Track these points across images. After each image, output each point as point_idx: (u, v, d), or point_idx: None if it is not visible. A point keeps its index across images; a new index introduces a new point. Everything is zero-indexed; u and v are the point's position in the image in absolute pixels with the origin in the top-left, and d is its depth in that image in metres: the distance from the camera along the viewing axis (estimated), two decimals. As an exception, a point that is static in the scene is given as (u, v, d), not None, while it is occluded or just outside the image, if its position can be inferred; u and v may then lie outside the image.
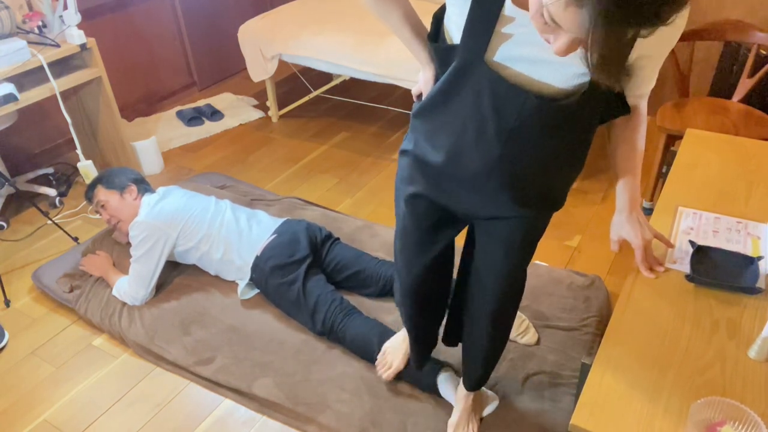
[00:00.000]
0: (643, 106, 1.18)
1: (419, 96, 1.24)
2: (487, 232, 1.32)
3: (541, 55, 0.98)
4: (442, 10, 1.11)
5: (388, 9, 1.17)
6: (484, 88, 1.04)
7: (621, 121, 1.19)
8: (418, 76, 1.24)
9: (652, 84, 1.13)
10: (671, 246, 1.32)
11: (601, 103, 1.09)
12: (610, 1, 0.66)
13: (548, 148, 1.11)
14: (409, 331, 1.69)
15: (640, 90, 1.13)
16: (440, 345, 1.99)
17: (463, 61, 1.04)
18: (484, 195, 1.20)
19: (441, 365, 1.83)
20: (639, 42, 0.97)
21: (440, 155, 1.18)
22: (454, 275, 1.57)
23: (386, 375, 1.84)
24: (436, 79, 1.16)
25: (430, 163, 1.22)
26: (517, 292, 1.46)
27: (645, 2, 0.67)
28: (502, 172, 1.14)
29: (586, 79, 1.00)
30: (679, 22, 0.98)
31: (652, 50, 1.02)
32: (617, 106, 1.14)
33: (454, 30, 1.04)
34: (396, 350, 1.84)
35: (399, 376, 1.87)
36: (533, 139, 1.08)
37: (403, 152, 1.30)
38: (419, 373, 1.83)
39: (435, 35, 1.13)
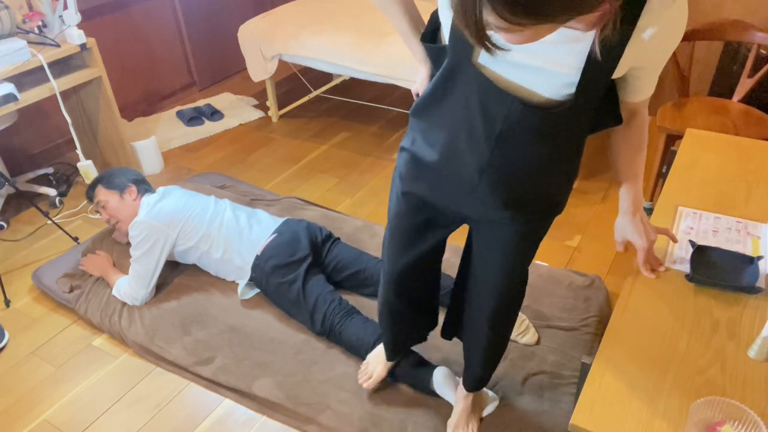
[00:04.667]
0: (643, 110, 1.17)
1: (417, 94, 1.24)
2: (484, 234, 1.32)
3: (530, 61, 0.98)
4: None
5: (389, 1, 1.18)
6: (473, 91, 1.04)
7: (622, 126, 1.19)
8: (417, 75, 1.25)
9: (651, 91, 1.12)
10: (676, 241, 1.32)
11: (589, 114, 1.08)
12: None
13: (537, 154, 1.10)
14: (386, 318, 1.65)
15: (638, 98, 1.12)
16: (441, 344, 1.99)
17: (452, 62, 1.04)
18: (477, 196, 1.20)
19: (434, 367, 1.82)
20: (630, 54, 0.96)
21: (435, 154, 1.19)
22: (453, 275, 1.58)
23: (366, 384, 1.82)
24: (432, 78, 1.16)
25: (426, 161, 1.22)
26: (517, 295, 1.45)
27: None
28: (492, 174, 1.14)
29: (573, 90, 0.99)
30: (672, 36, 0.97)
31: (643, 62, 1.01)
32: (608, 117, 1.13)
33: (446, 31, 1.05)
34: (378, 360, 1.83)
35: (396, 378, 1.87)
36: (521, 144, 1.08)
37: (402, 149, 1.30)
38: (417, 374, 1.83)
39: (432, 34, 1.13)
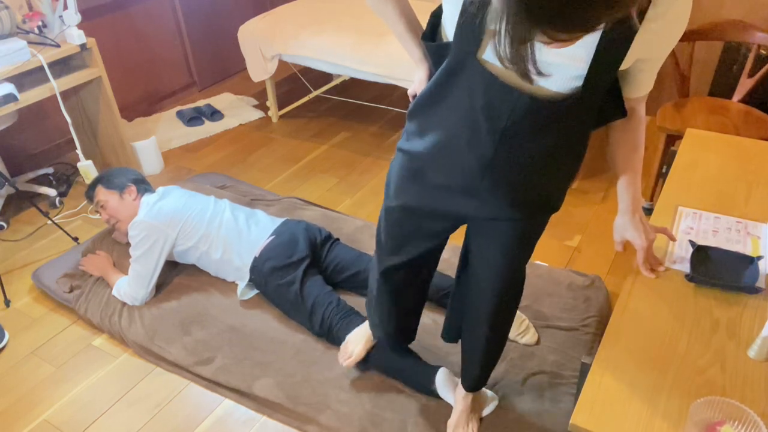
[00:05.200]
0: (641, 108, 1.18)
1: (414, 96, 1.24)
2: (482, 232, 1.32)
3: (539, 56, 0.98)
4: (440, 9, 1.11)
5: (384, 2, 1.18)
6: (477, 87, 1.04)
7: (619, 123, 1.19)
8: (414, 76, 1.24)
9: (650, 87, 1.12)
10: (674, 239, 1.32)
11: (595, 108, 1.09)
12: (513, 3, 0.68)
13: (542, 150, 1.10)
14: (376, 309, 1.68)
15: (638, 93, 1.13)
16: (440, 345, 1.99)
17: (456, 59, 1.04)
18: (478, 196, 1.20)
19: (437, 367, 1.83)
20: (637, 46, 0.97)
21: (434, 155, 1.18)
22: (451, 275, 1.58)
23: (346, 364, 1.86)
24: (431, 78, 1.16)
25: (424, 162, 1.22)
26: (515, 294, 1.45)
27: (541, 9, 0.67)
28: (495, 172, 1.14)
29: (580, 83, 0.99)
30: (677, 27, 0.98)
31: (649, 54, 1.02)
32: (612, 110, 1.14)
33: (450, 28, 1.04)
34: (358, 340, 1.87)
35: (395, 377, 1.88)
36: (526, 140, 1.08)
37: (399, 149, 1.30)
38: (417, 375, 1.83)
39: (431, 34, 1.13)
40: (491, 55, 1.00)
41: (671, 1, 0.92)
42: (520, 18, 0.68)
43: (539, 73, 0.76)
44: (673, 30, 0.97)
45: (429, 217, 1.32)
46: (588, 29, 0.70)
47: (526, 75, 0.75)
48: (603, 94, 1.06)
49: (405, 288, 1.58)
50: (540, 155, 1.11)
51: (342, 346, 1.90)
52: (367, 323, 1.85)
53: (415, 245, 1.41)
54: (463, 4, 0.98)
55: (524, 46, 0.72)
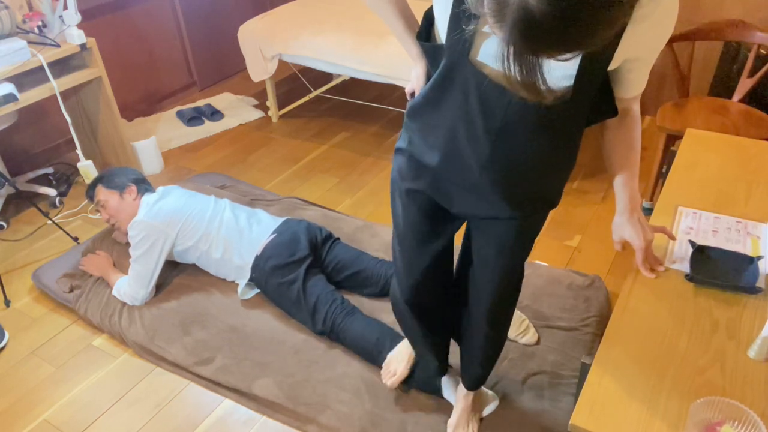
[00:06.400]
0: (635, 107, 1.18)
1: (413, 94, 1.24)
2: (481, 230, 1.33)
3: None
4: (432, 9, 1.11)
5: (382, 1, 1.18)
6: (471, 88, 1.04)
7: (614, 123, 1.19)
8: (411, 74, 1.24)
9: (642, 87, 1.12)
10: (674, 238, 1.32)
11: (587, 106, 1.09)
12: (517, 33, 0.70)
13: (536, 148, 1.11)
14: (416, 342, 1.67)
15: (630, 93, 1.13)
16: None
17: (450, 61, 1.04)
18: (478, 194, 1.20)
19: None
20: (625, 46, 0.97)
21: (434, 154, 1.19)
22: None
23: (390, 383, 1.81)
24: (428, 77, 1.16)
25: (424, 162, 1.22)
26: (513, 291, 1.45)
27: (545, 37, 0.69)
28: (493, 171, 1.14)
29: (571, 82, 1.00)
30: (664, 28, 0.98)
31: (639, 53, 1.02)
32: (604, 108, 1.14)
33: (441, 29, 1.05)
34: (400, 358, 1.83)
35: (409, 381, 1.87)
36: (521, 139, 1.09)
37: (398, 150, 1.30)
38: (422, 374, 1.83)
39: (426, 33, 1.13)
40: (484, 56, 1.00)
41: (657, 1, 0.92)
42: (525, 48, 0.70)
43: (550, 91, 0.77)
44: (659, 31, 0.97)
45: (434, 214, 1.32)
46: (591, 48, 0.71)
47: (539, 94, 0.77)
48: (594, 92, 1.06)
49: (433, 307, 1.55)
50: (535, 153, 1.12)
51: (384, 365, 1.87)
52: (407, 341, 1.82)
53: (437, 234, 1.38)
54: (453, 6, 0.98)
55: (533, 70, 0.73)
